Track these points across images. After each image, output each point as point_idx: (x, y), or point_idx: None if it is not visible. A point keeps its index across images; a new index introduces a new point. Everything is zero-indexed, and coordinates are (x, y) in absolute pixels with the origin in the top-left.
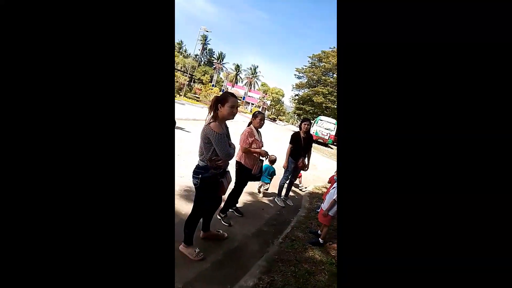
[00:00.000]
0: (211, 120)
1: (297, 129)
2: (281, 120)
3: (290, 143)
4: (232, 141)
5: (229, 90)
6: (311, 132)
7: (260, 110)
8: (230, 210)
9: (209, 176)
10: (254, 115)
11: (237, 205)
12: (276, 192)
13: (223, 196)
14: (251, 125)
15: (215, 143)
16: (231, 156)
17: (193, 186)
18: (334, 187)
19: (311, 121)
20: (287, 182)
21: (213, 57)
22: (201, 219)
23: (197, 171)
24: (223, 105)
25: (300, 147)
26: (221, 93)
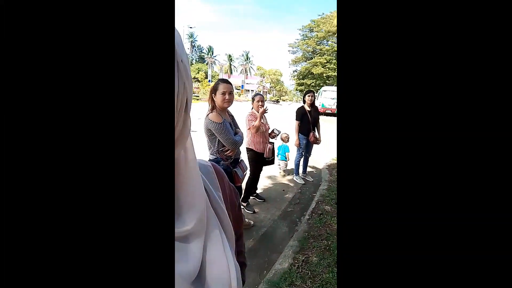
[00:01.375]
0: (209, 112)
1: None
2: (284, 101)
3: (296, 119)
4: (239, 129)
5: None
6: (317, 105)
7: (258, 93)
8: (251, 197)
9: (222, 168)
10: (252, 99)
11: (257, 191)
12: (293, 170)
13: (241, 185)
14: (252, 109)
15: (218, 133)
16: (237, 143)
17: None
18: None
19: (315, 93)
20: (302, 158)
21: (203, 53)
22: None
23: None
24: (215, 94)
25: (308, 121)
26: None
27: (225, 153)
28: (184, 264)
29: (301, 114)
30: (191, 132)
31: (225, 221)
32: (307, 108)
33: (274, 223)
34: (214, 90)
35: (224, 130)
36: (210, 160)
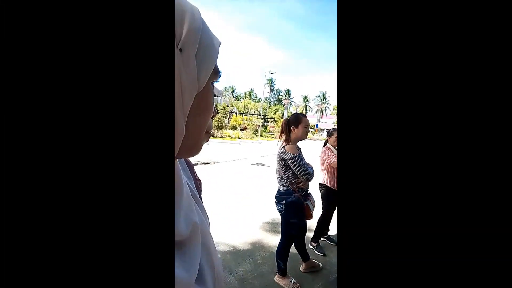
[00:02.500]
0: (285, 144)
1: None
2: None
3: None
4: (308, 162)
5: None
6: None
7: (336, 128)
8: (322, 238)
9: (293, 200)
10: (330, 134)
11: (329, 233)
12: None
13: (308, 220)
14: (327, 144)
15: (293, 165)
16: (311, 175)
17: (279, 217)
18: None
19: None
20: None
21: (281, 95)
22: (297, 251)
23: (280, 197)
24: (297, 126)
25: None
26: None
27: (297, 185)
28: (184, 270)
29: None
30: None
31: (204, 212)
32: None
33: None
34: (295, 123)
35: (301, 162)
36: (280, 191)
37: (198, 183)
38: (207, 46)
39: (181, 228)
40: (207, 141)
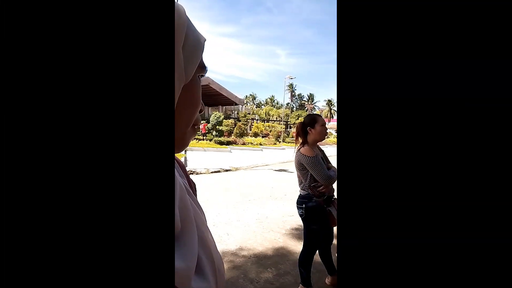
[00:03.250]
0: (301, 146)
1: None
2: None
3: None
4: (331, 165)
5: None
6: None
7: None
8: None
9: (313, 205)
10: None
11: None
12: None
13: (335, 228)
14: None
15: (310, 168)
16: (332, 179)
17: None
18: None
19: None
20: None
21: (304, 100)
22: (323, 262)
23: (300, 201)
24: (313, 127)
25: None
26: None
27: (318, 189)
28: (182, 261)
29: None
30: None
31: (199, 207)
32: None
33: None
34: (311, 123)
35: (317, 164)
36: (301, 195)
37: (191, 182)
38: (193, 41)
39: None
40: (194, 136)
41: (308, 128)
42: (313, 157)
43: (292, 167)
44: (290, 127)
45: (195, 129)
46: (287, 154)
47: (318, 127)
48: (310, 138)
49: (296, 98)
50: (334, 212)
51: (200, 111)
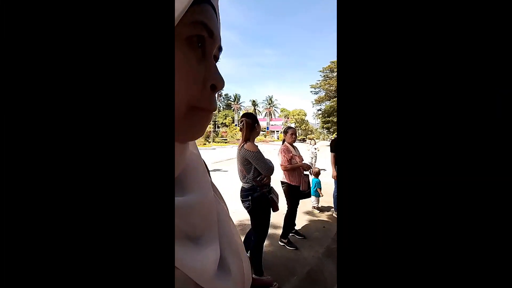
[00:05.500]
0: (243, 143)
1: (329, 144)
2: (310, 139)
3: (332, 151)
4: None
5: None
6: None
7: (290, 126)
8: (290, 234)
9: (259, 195)
10: (285, 131)
11: (296, 228)
12: (332, 205)
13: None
14: (285, 142)
15: (255, 162)
16: (272, 169)
17: (247, 218)
18: None
19: None
20: None
21: (230, 101)
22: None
23: (245, 194)
24: (258, 123)
25: None
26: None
27: (262, 181)
28: (195, 260)
29: (337, 146)
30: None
31: (222, 199)
32: None
33: (319, 261)
34: (255, 120)
35: (261, 157)
36: (245, 188)
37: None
38: None
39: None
40: (201, 122)
41: (256, 124)
42: (257, 151)
43: (226, 166)
44: (219, 127)
45: (197, 111)
46: (219, 153)
47: (257, 126)
48: (253, 134)
49: (223, 98)
50: (275, 198)
51: (215, 88)
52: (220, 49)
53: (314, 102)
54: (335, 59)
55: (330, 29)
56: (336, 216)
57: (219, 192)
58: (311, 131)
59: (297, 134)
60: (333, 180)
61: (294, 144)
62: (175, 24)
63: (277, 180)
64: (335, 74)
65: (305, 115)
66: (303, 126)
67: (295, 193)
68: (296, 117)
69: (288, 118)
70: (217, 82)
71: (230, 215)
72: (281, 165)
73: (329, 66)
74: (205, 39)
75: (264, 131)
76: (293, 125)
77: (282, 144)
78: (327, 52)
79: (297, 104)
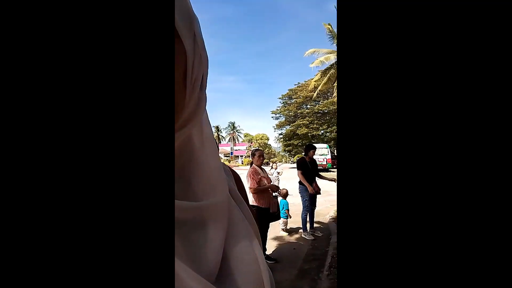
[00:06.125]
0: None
1: (291, 166)
2: (273, 162)
3: (298, 169)
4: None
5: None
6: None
7: (258, 148)
8: None
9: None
10: (252, 154)
11: (267, 253)
12: (300, 226)
13: None
14: (253, 164)
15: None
16: None
17: None
18: None
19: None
20: (308, 212)
21: None
22: None
23: None
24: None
25: (309, 171)
26: None
27: None
28: (202, 257)
29: (302, 164)
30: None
31: (247, 214)
32: (308, 160)
33: (292, 283)
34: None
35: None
36: None
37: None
38: None
39: (201, 197)
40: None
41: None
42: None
43: None
44: None
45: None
46: None
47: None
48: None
49: None
50: None
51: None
52: None
53: (275, 127)
54: (292, 86)
55: (288, 58)
56: (304, 236)
57: (238, 194)
58: (274, 154)
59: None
60: (300, 201)
61: (262, 166)
62: None
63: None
64: (293, 100)
65: (268, 139)
66: (266, 149)
67: (265, 216)
68: (260, 141)
69: (251, 143)
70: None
71: None
72: (250, 188)
73: (287, 93)
74: None
75: (228, 156)
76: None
77: (250, 166)
78: (286, 79)
79: (260, 128)
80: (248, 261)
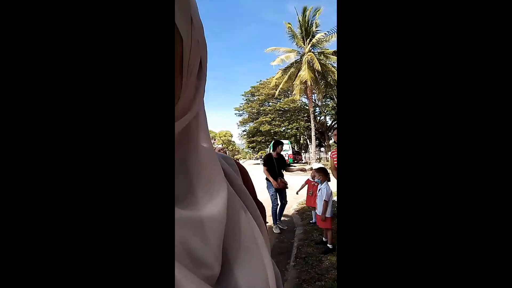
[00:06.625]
0: None
1: (255, 162)
2: (238, 159)
3: (264, 165)
4: None
5: None
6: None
7: (218, 145)
8: None
9: None
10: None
11: None
12: (270, 223)
13: None
14: None
15: None
16: None
17: None
18: (320, 189)
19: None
20: (279, 207)
21: None
22: None
23: None
24: None
25: (274, 167)
26: None
27: None
28: (199, 261)
29: (268, 160)
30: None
31: (252, 208)
32: (275, 157)
33: None
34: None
35: None
36: None
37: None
38: None
39: (202, 201)
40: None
41: None
42: None
43: None
44: None
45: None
46: None
47: None
48: None
49: None
50: None
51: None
52: None
53: (238, 124)
54: (255, 83)
55: (251, 55)
56: (274, 230)
57: (243, 187)
58: (238, 151)
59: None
60: (269, 195)
61: None
62: None
63: None
64: (255, 97)
65: (231, 136)
66: (230, 146)
67: None
68: (223, 138)
69: (215, 140)
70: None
71: None
72: None
73: (250, 90)
74: None
75: None
76: (220, 146)
77: None
78: (248, 77)
79: (223, 125)
80: (253, 265)
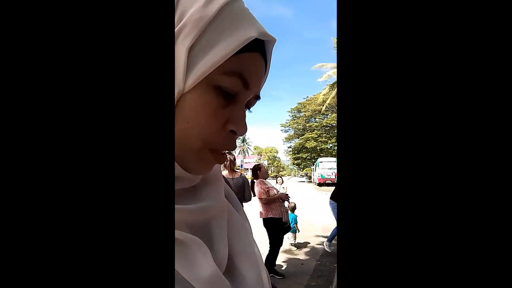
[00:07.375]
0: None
1: (300, 179)
2: (279, 177)
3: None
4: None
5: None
6: (316, 176)
7: (258, 163)
8: (270, 275)
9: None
10: (256, 169)
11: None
12: (308, 241)
13: None
14: (258, 178)
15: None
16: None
17: None
18: None
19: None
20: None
21: None
22: None
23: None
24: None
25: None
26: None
27: None
28: (213, 254)
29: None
30: None
31: (241, 211)
32: None
33: None
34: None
35: None
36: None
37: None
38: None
39: (204, 197)
40: (213, 162)
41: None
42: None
43: None
44: None
45: (209, 150)
46: None
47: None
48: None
49: None
50: None
51: (235, 133)
52: (257, 97)
53: (284, 140)
54: (301, 100)
55: (292, 72)
56: (326, 247)
57: (238, 203)
58: (283, 167)
59: (270, 171)
60: (307, 216)
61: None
62: (212, 70)
63: (253, 216)
64: (301, 114)
65: (277, 152)
66: (275, 163)
67: (280, 227)
68: (269, 154)
69: (261, 156)
70: (238, 129)
71: None
72: (259, 198)
73: (296, 107)
74: (238, 92)
75: (238, 169)
76: (266, 163)
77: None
78: (293, 94)
79: (269, 141)
80: (249, 254)
